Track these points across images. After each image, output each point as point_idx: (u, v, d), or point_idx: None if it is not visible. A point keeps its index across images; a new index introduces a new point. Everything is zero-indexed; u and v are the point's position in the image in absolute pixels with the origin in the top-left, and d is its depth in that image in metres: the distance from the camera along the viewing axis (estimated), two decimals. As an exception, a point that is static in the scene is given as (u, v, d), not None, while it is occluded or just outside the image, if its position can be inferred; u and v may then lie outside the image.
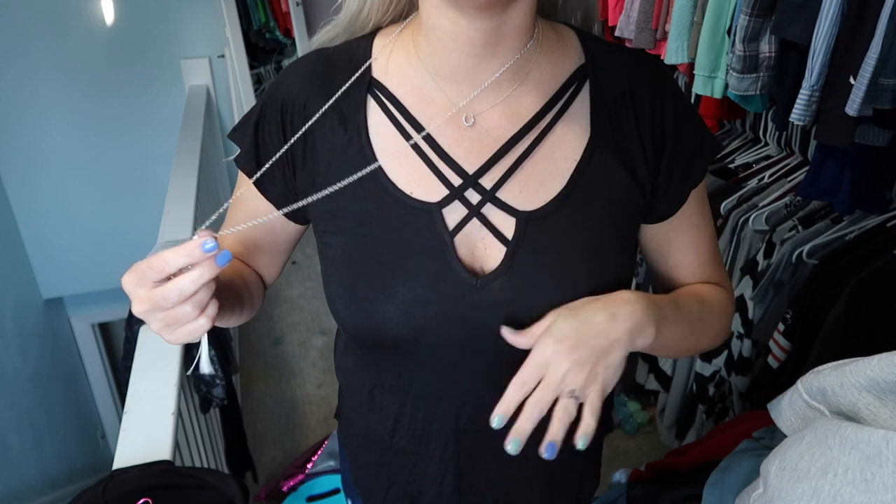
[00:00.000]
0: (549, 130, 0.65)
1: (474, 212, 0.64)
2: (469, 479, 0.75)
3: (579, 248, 0.64)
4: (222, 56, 3.54)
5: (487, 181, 0.64)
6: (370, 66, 0.67)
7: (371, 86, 0.66)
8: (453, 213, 0.64)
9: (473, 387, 0.69)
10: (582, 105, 0.66)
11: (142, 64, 3.43)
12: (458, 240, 0.64)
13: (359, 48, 0.68)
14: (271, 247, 0.76)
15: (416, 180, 0.64)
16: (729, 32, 1.39)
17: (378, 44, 0.68)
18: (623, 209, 0.67)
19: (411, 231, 0.64)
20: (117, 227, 3.59)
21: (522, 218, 0.64)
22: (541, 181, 0.64)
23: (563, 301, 0.62)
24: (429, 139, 0.64)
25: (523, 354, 0.60)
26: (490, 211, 0.64)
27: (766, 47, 1.29)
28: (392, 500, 0.79)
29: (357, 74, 0.66)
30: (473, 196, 0.64)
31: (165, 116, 3.42)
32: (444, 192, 0.64)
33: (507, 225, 0.64)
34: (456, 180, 0.64)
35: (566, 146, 0.65)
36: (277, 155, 0.66)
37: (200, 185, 2.31)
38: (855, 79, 1.07)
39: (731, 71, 1.36)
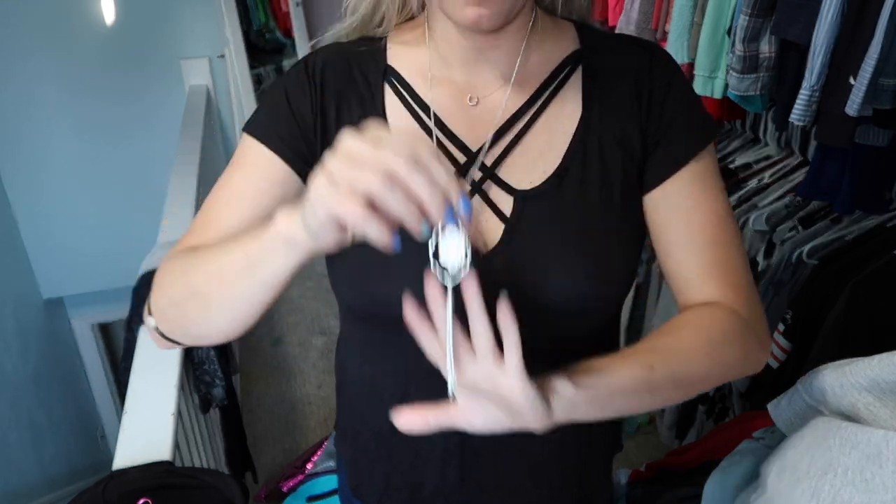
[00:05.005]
0: (543, 109, 0.69)
1: (476, 189, 0.67)
2: (472, 469, 0.74)
3: (576, 224, 0.66)
4: (222, 56, 3.54)
5: (489, 158, 0.68)
6: (386, 54, 0.72)
7: (387, 73, 0.71)
8: None
9: None
10: (575, 85, 0.70)
11: (142, 64, 3.43)
12: None
13: (374, 41, 0.74)
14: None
15: None
16: (729, 32, 1.39)
17: (392, 37, 0.73)
18: (619, 185, 0.68)
19: None
20: (117, 227, 3.58)
21: (520, 196, 0.66)
22: (539, 156, 0.68)
23: (560, 275, 0.64)
24: (436, 120, 0.69)
25: (524, 334, 0.57)
26: (490, 188, 0.68)
27: (766, 47, 1.29)
28: (393, 491, 0.78)
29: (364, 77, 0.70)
30: (476, 173, 0.68)
31: (165, 117, 3.41)
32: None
33: (507, 203, 0.67)
34: (460, 157, 0.68)
35: (561, 123, 0.69)
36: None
37: (200, 185, 2.31)
38: (855, 79, 1.07)
39: (731, 71, 1.36)
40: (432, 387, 0.69)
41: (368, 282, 0.67)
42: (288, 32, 3.77)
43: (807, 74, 1.16)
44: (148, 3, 3.34)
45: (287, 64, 4.16)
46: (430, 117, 0.69)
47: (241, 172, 0.68)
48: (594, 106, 0.69)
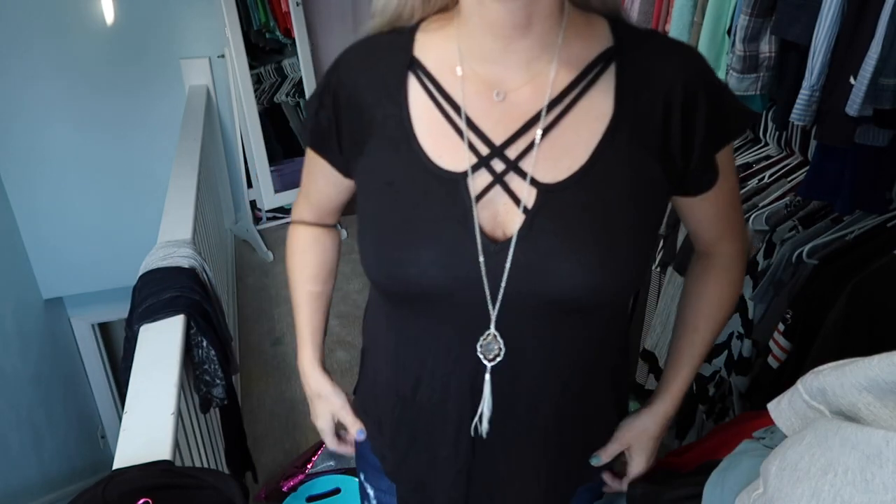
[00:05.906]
0: (573, 106, 0.69)
1: (498, 179, 0.69)
2: (482, 440, 0.78)
3: (597, 220, 0.68)
4: (222, 56, 3.54)
5: (512, 152, 0.69)
6: (413, 46, 0.73)
7: (412, 64, 0.73)
8: (478, 181, 0.69)
9: None
10: (607, 84, 0.69)
11: (142, 64, 3.43)
12: (482, 205, 0.69)
13: (403, 33, 0.75)
14: (342, 197, 0.89)
15: (446, 150, 0.70)
16: (729, 32, 1.39)
17: (421, 29, 0.75)
18: (644, 187, 0.69)
19: (436, 197, 0.69)
20: (117, 227, 3.59)
21: (543, 189, 0.68)
22: (564, 153, 0.69)
23: (576, 269, 0.67)
24: (461, 113, 0.70)
25: (533, 322, 0.71)
26: (512, 180, 0.69)
27: (766, 47, 1.29)
28: (414, 455, 0.84)
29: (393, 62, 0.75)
30: (499, 165, 0.69)
31: (165, 116, 3.41)
32: (472, 160, 0.69)
33: (529, 194, 0.68)
34: (484, 150, 0.69)
35: (589, 121, 0.69)
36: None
37: (200, 185, 2.31)
38: (855, 79, 1.07)
39: (731, 71, 1.36)
40: (448, 360, 0.76)
41: (393, 262, 0.70)
42: (288, 32, 3.77)
43: (807, 74, 1.16)
44: (148, 2, 3.34)
45: (287, 64, 4.16)
46: (458, 113, 0.70)
47: (316, 165, 0.85)
48: (627, 105, 0.69)
